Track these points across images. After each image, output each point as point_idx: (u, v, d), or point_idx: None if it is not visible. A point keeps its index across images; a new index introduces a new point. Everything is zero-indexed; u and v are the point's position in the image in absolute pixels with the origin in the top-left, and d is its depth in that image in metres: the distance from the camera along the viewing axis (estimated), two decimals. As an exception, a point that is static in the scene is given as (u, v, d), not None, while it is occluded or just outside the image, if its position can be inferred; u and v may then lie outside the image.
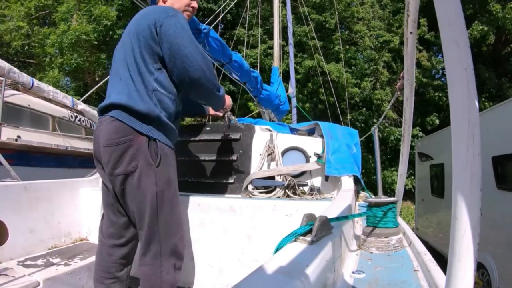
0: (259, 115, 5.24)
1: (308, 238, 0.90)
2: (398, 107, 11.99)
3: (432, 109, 13.02)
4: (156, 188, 1.38)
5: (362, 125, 13.03)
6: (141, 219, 1.39)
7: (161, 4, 1.68)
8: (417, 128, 12.42)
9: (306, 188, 2.07)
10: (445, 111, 12.40)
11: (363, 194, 3.11)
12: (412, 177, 10.06)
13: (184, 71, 1.41)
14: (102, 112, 1.48)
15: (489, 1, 11.83)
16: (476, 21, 11.99)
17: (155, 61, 1.43)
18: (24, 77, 5.49)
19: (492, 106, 5.27)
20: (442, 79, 13.39)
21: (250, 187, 2.09)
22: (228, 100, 1.86)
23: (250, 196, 2.03)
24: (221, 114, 2.08)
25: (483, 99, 12.66)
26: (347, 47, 14.08)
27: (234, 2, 6.01)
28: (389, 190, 11.02)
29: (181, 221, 1.50)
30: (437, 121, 12.57)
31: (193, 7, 1.73)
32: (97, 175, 2.52)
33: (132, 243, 1.53)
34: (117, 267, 1.48)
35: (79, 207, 2.25)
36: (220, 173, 2.18)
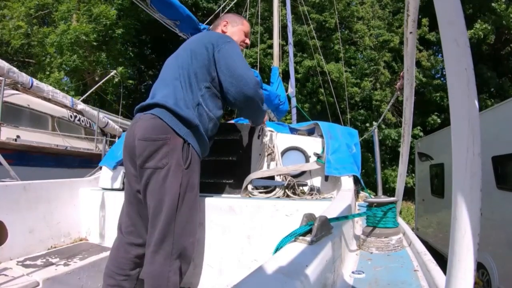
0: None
1: (308, 238, 0.90)
2: (398, 107, 11.99)
3: (433, 109, 13.01)
4: (180, 189, 1.43)
5: (362, 125, 13.03)
6: (157, 216, 1.40)
7: (219, 31, 1.89)
8: (418, 128, 12.40)
9: (305, 188, 2.07)
10: (445, 111, 12.38)
11: (363, 194, 3.11)
12: (413, 174, 10.05)
13: (240, 89, 1.57)
14: (143, 110, 1.55)
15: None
16: (479, 20, 11.96)
17: (206, 80, 1.58)
18: (24, 77, 5.50)
19: (494, 104, 5.25)
20: (442, 79, 13.39)
21: (249, 187, 2.08)
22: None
23: (249, 196, 2.03)
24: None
25: (485, 97, 12.60)
26: (347, 46, 14.09)
27: (234, 1, 6.01)
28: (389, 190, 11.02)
29: (196, 227, 1.54)
30: (438, 120, 12.54)
31: (246, 43, 1.96)
32: (97, 175, 2.51)
33: (145, 243, 1.53)
34: (131, 265, 1.50)
35: (79, 207, 2.24)
36: (219, 173, 2.17)
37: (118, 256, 1.51)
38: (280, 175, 2.11)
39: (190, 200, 1.47)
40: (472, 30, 11.69)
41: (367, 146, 11.07)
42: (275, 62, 5.86)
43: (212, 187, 2.14)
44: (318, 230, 0.92)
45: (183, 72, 1.57)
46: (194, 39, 1.74)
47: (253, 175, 2.07)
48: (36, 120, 5.78)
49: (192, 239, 1.48)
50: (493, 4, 11.79)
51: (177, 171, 1.43)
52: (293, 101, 6.39)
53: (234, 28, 1.91)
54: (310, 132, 2.55)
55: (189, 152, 1.49)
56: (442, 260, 4.45)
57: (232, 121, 2.69)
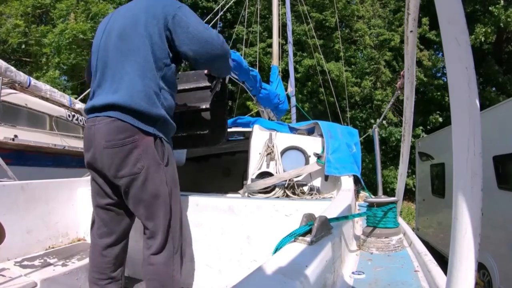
0: (258, 114, 5.23)
1: (308, 238, 0.89)
2: (398, 106, 11.96)
3: (435, 108, 12.96)
4: (167, 187, 1.38)
5: (362, 124, 13.01)
6: (152, 219, 1.37)
7: None
8: (421, 128, 12.35)
9: (305, 188, 2.06)
10: (447, 110, 12.29)
11: (363, 194, 3.11)
12: (413, 175, 10.04)
13: (207, 53, 1.44)
14: (95, 110, 1.39)
15: (490, 2, 11.80)
16: (479, 24, 11.93)
17: (166, 56, 1.42)
18: (21, 76, 5.47)
19: (500, 99, 5.23)
20: (443, 78, 13.36)
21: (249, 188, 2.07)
22: None
23: (249, 196, 2.02)
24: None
25: (491, 91, 12.48)
26: (347, 45, 14.06)
27: (233, 0, 6.00)
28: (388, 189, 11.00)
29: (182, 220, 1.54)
30: (440, 119, 12.47)
31: None
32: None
33: (123, 242, 1.53)
34: (110, 267, 1.47)
35: (77, 207, 2.24)
36: (193, 124, 2.01)
37: (96, 261, 1.47)
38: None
39: (177, 195, 1.45)
40: (473, 36, 11.66)
41: (367, 146, 11.05)
42: (275, 61, 5.84)
43: (185, 140, 1.98)
44: (318, 230, 0.92)
45: (137, 57, 1.38)
46: (137, 9, 1.47)
47: (254, 185, 2.04)
48: (34, 119, 5.75)
49: (181, 233, 1.49)
50: (490, 8, 11.77)
51: (159, 170, 1.36)
52: (293, 100, 6.37)
53: None
54: (310, 132, 2.54)
55: (164, 147, 1.40)
56: (442, 261, 4.44)
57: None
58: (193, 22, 1.44)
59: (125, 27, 1.45)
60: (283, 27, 7.47)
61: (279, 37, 6.22)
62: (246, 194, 2.07)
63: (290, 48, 6.69)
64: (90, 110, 1.42)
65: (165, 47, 1.42)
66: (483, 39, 11.62)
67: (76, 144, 6.81)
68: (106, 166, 1.35)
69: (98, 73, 1.46)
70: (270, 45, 10.52)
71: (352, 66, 14.08)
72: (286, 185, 2.02)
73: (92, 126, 1.38)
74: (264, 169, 2.17)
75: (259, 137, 2.24)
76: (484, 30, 11.65)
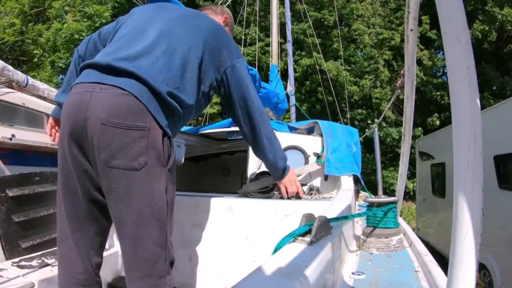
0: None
1: (307, 238, 0.89)
2: (398, 106, 11.96)
3: (434, 108, 12.97)
4: (166, 196, 1.10)
5: (361, 123, 13.02)
6: (139, 231, 1.05)
7: (221, 23, 1.58)
8: (419, 128, 12.36)
9: (305, 188, 2.05)
10: (446, 110, 12.30)
11: (363, 194, 3.10)
12: (414, 178, 10.03)
13: (247, 110, 1.41)
14: (99, 68, 1.10)
15: (488, 2, 11.86)
16: (477, 21, 11.98)
17: (206, 86, 1.31)
18: (19, 75, 5.47)
19: (496, 103, 5.25)
20: (444, 77, 13.37)
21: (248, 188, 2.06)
22: (293, 175, 1.68)
23: (248, 196, 2.02)
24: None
25: (488, 96, 12.53)
26: (346, 44, 14.06)
27: None
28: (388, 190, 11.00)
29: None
30: (437, 122, 12.46)
31: None
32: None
33: (103, 250, 1.26)
34: (96, 281, 1.21)
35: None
36: None
37: (72, 278, 1.16)
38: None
39: (173, 205, 1.18)
40: (470, 31, 11.70)
41: (367, 145, 11.06)
42: (274, 60, 5.83)
43: None
44: (317, 231, 0.91)
45: (193, 55, 1.22)
46: (199, 22, 1.32)
47: (253, 185, 2.02)
48: (31, 119, 5.72)
49: (171, 248, 1.19)
50: (486, 7, 11.83)
51: (161, 174, 1.07)
52: (292, 99, 6.36)
53: (229, 33, 1.56)
54: (310, 131, 2.53)
55: (170, 147, 1.14)
56: (443, 261, 4.44)
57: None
58: (247, 77, 1.40)
59: (179, 17, 1.30)
60: (282, 25, 7.46)
61: (278, 36, 6.20)
62: (245, 194, 2.06)
63: (289, 47, 6.69)
64: (91, 65, 1.12)
65: (211, 79, 1.32)
66: (480, 36, 11.66)
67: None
68: (97, 147, 1.03)
69: (125, 38, 1.20)
70: (268, 44, 10.52)
71: (352, 65, 14.08)
72: (285, 185, 2.00)
73: (89, 92, 1.05)
74: (263, 168, 2.16)
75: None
76: (481, 27, 11.69)
